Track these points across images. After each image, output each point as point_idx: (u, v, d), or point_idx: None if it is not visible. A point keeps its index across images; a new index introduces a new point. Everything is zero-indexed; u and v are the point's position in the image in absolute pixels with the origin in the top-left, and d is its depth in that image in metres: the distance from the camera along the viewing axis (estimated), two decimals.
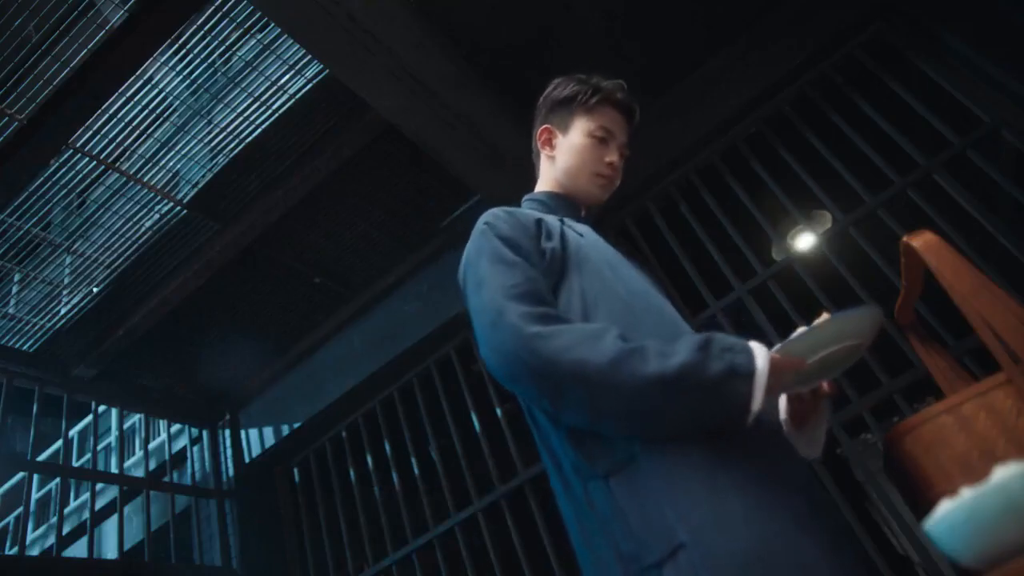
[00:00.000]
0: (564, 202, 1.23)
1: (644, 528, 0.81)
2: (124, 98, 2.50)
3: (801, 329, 0.85)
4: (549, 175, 1.28)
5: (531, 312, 0.90)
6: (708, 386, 0.80)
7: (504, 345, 0.89)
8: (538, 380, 0.87)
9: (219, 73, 2.70)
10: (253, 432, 3.32)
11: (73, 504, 4.37)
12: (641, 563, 0.80)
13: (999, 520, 0.62)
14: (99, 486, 3.09)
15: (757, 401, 0.80)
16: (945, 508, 0.66)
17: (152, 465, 3.37)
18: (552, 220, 1.10)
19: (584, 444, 0.90)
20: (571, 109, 1.25)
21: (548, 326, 0.88)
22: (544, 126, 1.29)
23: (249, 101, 2.51)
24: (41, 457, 4.03)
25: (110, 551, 3.41)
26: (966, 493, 0.64)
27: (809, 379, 0.89)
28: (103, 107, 2.35)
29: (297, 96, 2.43)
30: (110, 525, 3.47)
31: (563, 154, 1.24)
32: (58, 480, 3.77)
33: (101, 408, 3.08)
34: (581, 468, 0.90)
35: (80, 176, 2.66)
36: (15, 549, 3.77)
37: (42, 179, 2.64)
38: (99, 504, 3.28)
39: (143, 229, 2.72)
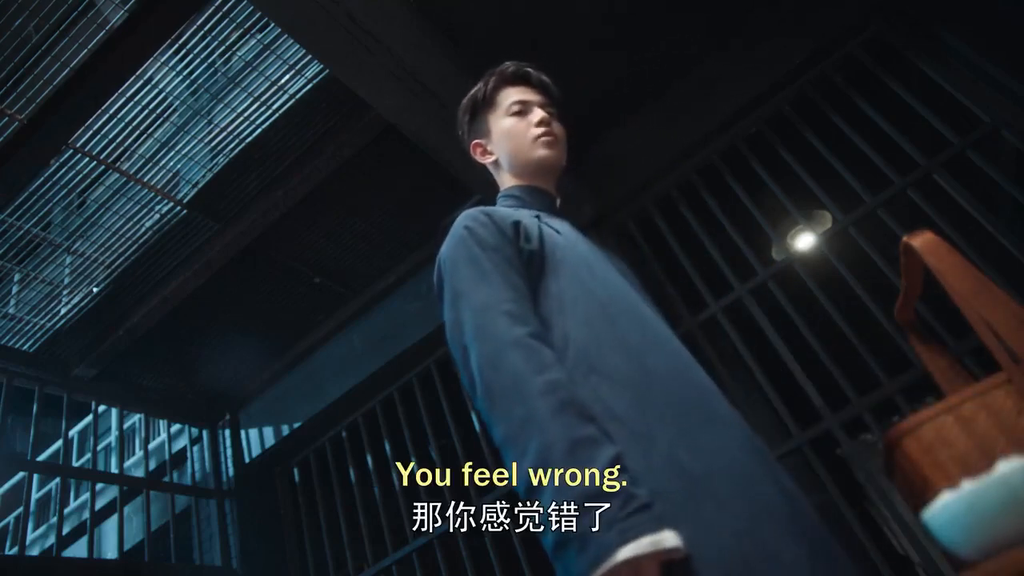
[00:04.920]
0: (535, 192, 1.25)
1: None
2: (124, 98, 2.50)
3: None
4: (504, 175, 1.30)
5: (516, 334, 0.88)
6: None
7: (482, 364, 0.87)
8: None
9: (219, 73, 2.70)
10: (253, 432, 3.32)
11: (73, 504, 4.37)
12: None
13: (999, 513, 0.62)
14: (99, 486, 3.09)
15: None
16: (945, 499, 0.65)
17: (152, 465, 3.37)
18: (530, 220, 1.08)
19: None
20: (479, 114, 1.30)
21: (533, 354, 0.86)
22: (472, 144, 1.33)
23: (249, 101, 2.51)
24: (41, 457, 4.04)
25: (110, 551, 3.41)
26: (967, 485, 0.63)
27: None
28: (103, 107, 2.35)
29: (297, 96, 2.43)
30: (110, 525, 3.47)
31: (500, 148, 1.27)
32: (58, 480, 3.78)
33: (101, 408, 3.08)
34: None
35: (80, 176, 2.66)
36: (15, 549, 3.78)
37: (42, 179, 2.64)
38: (99, 504, 3.28)
39: (143, 229, 2.72)
